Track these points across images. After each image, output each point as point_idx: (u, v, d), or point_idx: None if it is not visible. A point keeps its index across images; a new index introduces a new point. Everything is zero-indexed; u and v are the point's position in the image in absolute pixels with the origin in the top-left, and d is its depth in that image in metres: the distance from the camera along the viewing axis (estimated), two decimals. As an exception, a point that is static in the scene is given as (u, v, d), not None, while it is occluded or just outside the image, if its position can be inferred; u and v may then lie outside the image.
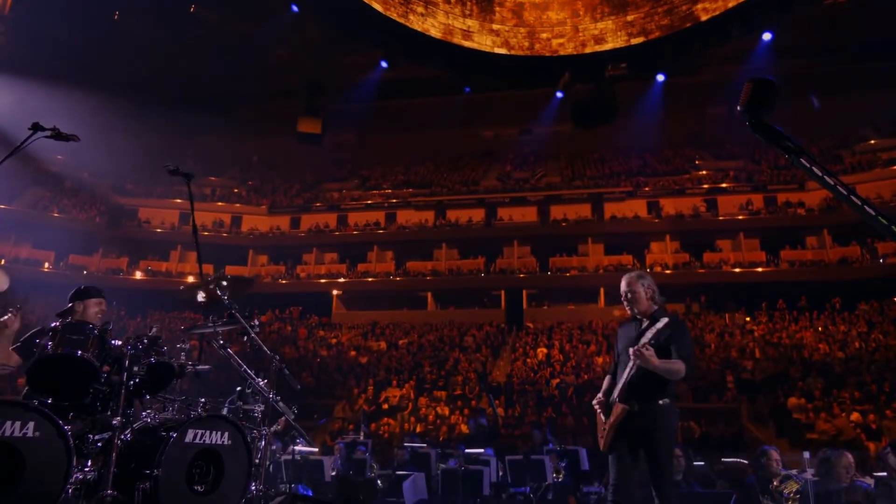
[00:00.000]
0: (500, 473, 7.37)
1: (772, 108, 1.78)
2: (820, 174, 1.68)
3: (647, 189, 27.07)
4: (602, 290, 24.99)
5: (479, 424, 11.51)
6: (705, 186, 26.81)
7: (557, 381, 17.69)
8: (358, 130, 29.52)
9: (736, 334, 20.11)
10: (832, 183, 1.67)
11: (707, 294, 23.66)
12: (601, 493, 6.79)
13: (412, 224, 28.40)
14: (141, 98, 23.99)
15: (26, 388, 3.40)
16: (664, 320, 3.86)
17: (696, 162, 28.33)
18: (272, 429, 5.85)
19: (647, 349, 3.69)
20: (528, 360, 20.00)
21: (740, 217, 25.25)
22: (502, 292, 26.05)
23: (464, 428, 14.61)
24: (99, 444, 3.25)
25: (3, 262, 23.79)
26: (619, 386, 3.89)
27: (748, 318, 21.47)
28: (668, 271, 24.62)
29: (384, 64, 17.01)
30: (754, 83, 1.79)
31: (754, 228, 24.95)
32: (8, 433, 2.70)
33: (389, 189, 30.34)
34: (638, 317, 4.05)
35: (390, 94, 23.62)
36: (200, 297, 3.86)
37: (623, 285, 4.11)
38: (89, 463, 3.17)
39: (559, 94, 18.43)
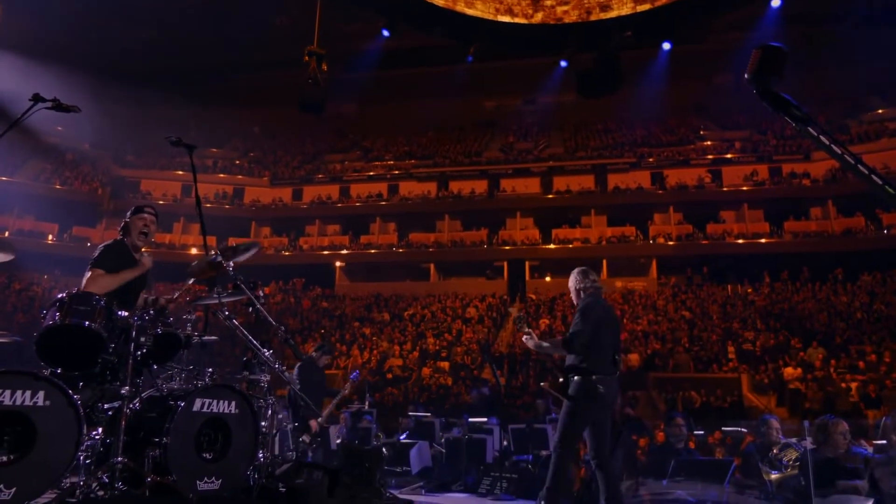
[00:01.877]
0: (504, 442, 7.48)
1: (780, 75, 1.75)
2: (827, 143, 1.67)
3: (650, 160, 26.88)
4: (605, 262, 25.01)
5: (481, 394, 11.65)
6: (710, 157, 26.59)
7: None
8: (359, 101, 29.18)
9: (738, 305, 20.18)
10: (839, 152, 1.66)
11: (710, 265, 23.67)
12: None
13: (415, 195, 28.32)
14: (140, 69, 23.74)
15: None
16: (580, 305, 4.35)
17: (701, 132, 28.05)
18: (301, 438, 5.95)
19: (526, 336, 4.41)
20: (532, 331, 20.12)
21: (745, 188, 25.10)
22: (505, 264, 26.10)
23: (467, 398, 14.79)
24: (109, 413, 3.30)
25: (7, 234, 23.87)
26: None
27: (750, 290, 21.52)
28: (671, 242, 24.60)
29: (386, 32, 16.70)
30: (763, 50, 1.76)
31: (759, 199, 24.82)
32: (19, 402, 2.74)
33: (392, 160, 30.17)
34: (575, 304, 4.53)
35: (392, 64, 23.28)
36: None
37: (570, 281, 4.66)
38: (99, 431, 3.22)
39: (563, 64, 18.13)
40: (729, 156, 26.28)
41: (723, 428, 9.56)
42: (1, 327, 3.65)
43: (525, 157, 28.64)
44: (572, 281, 4.57)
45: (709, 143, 27.42)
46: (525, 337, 4.43)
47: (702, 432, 8.93)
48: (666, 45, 17.74)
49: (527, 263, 25.91)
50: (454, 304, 23.09)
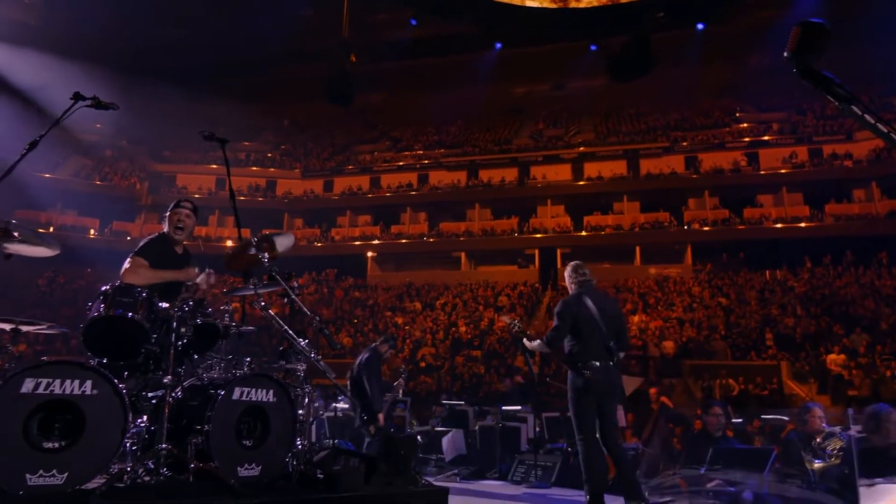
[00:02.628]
0: (537, 430, 7.47)
1: (821, 53, 1.69)
2: (872, 122, 1.61)
3: (684, 144, 26.31)
4: (638, 249, 24.66)
5: (515, 383, 11.65)
6: (746, 140, 25.89)
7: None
8: (388, 91, 29.25)
9: (776, 291, 19.69)
10: (885, 130, 1.59)
11: (747, 251, 23.11)
12: (638, 450, 6.85)
13: (444, 185, 28.32)
14: (172, 66, 24.17)
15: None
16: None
17: (737, 114, 27.31)
18: (368, 429, 6.04)
19: (526, 340, 4.84)
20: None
21: (783, 171, 24.39)
22: (536, 251, 25.95)
23: (500, 386, 14.80)
24: (152, 402, 3.40)
25: (51, 229, 24.70)
26: None
27: (789, 275, 20.96)
28: (706, 228, 24.10)
29: (413, 22, 16.68)
30: (803, 27, 1.70)
31: (798, 182, 24.10)
32: (69, 391, 2.84)
33: (421, 150, 30.19)
34: None
35: (420, 53, 23.29)
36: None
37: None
38: (144, 419, 3.32)
39: (593, 48, 17.86)
40: (766, 138, 25.55)
41: (762, 416, 9.36)
42: (48, 319, 3.79)
43: (555, 144, 28.33)
44: (566, 275, 4.93)
45: (745, 125, 26.69)
46: (527, 342, 4.83)
47: (740, 420, 8.75)
48: (699, 26, 17.31)
49: (558, 251, 25.71)
50: (485, 292, 23.08)
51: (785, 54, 1.71)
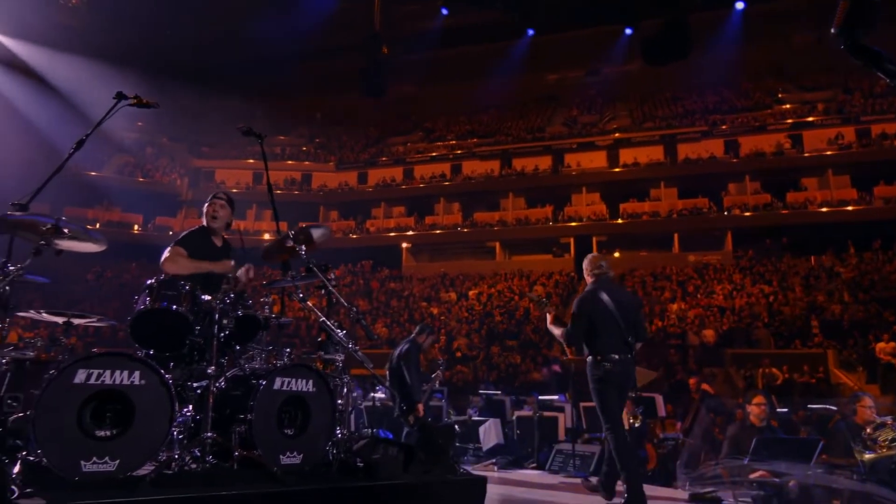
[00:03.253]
0: (575, 419, 7.43)
1: (871, 27, 1.62)
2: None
3: (724, 127, 25.57)
4: (676, 236, 24.17)
5: (552, 372, 11.60)
6: (789, 121, 25.02)
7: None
8: (420, 82, 29.23)
9: (822, 277, 19.06)
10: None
11: (790, 236, 22.41)
12: (678, 439, 6.76)
13: (478, 174, 28.23)
14: (208, 63, 24.61)
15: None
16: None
17: (780, 95, 26.40)
18: (407, 419, 6.13)
19: (548, 312, 4.97)
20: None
21: (829, 152, 23.51)
22: (571, 240, 25.69)
23: (536, 375, 14.76)
24: (197, 391, 3.50)
25: (97, 225, 25.55)
26: None
27: (836, 261, 20.25)
28: (747, 213, 23.46)
29: (444, 11, 16.60)
30: (850, 2, 1.63)
31: (844, 164, 23.20)
32: (118, 381, 2.94)
33: (454, 140, 30.13)
34: None
35: (451, 43, 23.16)
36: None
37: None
38: (190, 408, 3.42)
39: (628, 31, 17.47)
40: (810, 119, 24.64)
41: (808, 406, 9.11)
42: (98, 313, 3.93)
43: (590, 131, 27.90)
44: (584, 268, 5.07)
45: (788, 106, 25.79)
46: (549, 319, 4.96)
47: (785, 410, 8.55)
48: (739, 5, 16.77)
49: (594, 239, 25.39)
50: (520, 282, 22.98)
51: (832, 30, 1.64)
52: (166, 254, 3.97)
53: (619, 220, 25.21)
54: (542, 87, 30.53)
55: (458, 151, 29.30)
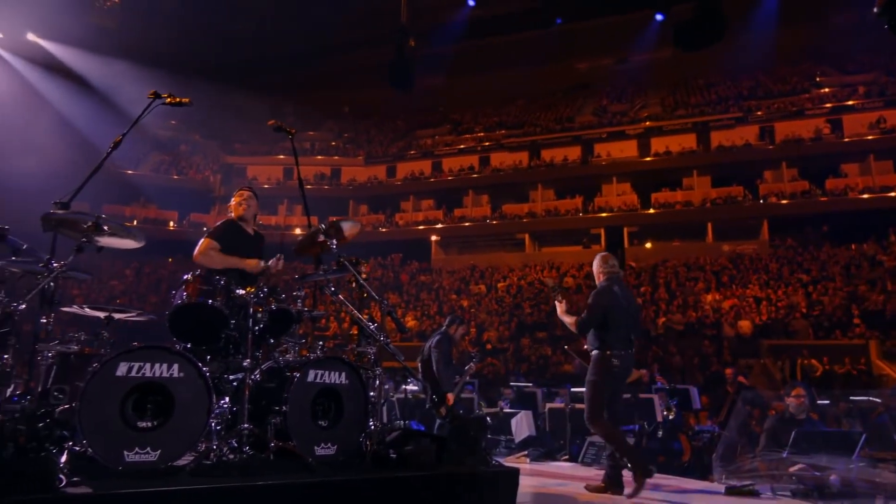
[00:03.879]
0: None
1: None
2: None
3: (759, 113, 24.89)
4: (710, 225, 23.67)
5: (583, 364, 11.48)
6: (828, 106, 24.20)
7: (664, 320, 17.22)
8: (447, 74, 29.09)
9: (863, 266, 18.46)
10: None
11: (830, 224, 21.74)
12: (714, 432, 6.65)
13: (506, 166, 28.08)
14: (237, 61, 24.94)
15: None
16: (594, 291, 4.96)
17: (818, 79, 25.56)
18: (438, 411, 6.20)
19: (559, 301, 5.05)
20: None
21: (870, 137, 22.69)
22: (602, 231, 25.41)
23: (568, 367, 14.67)
24: (234, 384, 3.57)
25: (135, 222, 26.22)
26: None
27: (878, 248, 19.58)
28: (784, 201, 22.85)
29: (471, 2, 16.49)
30: (900, -22, 1.56)
31: (887, 149, 22.34)
32: (158, 374, 3.03)
33: (482, 132, 30.00)
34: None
35: (478, 34, 23.01)
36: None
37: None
38: (226, 400, 3.50)
39: (658, 17, 17.10)
40: (851, 102, 23.80)
41: (850, 398, 8.85)
42: (137, 307, 4.04)
43: (620, 120, 27.47)
44: (594, 266, 5.21)
45: (826, 90, 24.95)
46: (559, 307, 5.06)
47: (826, 402, 8.32)
48: (775, -15, 16.26)
49: (625, 230, 25.06)
50: (550, 273, 22.82)
51: (875, 9, 1.57)
52: (199, 247, 4.05)
53: (651, 210, 24.81)
54: (571, 77, 30.14)
55: (487, 143, 29.16)
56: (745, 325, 15.70)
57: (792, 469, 4.84)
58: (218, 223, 4.37)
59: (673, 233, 24.49)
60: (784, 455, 5.02)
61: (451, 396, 6.33)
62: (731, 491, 5.07)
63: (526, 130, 28.87)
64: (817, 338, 15.30)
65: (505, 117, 30.34)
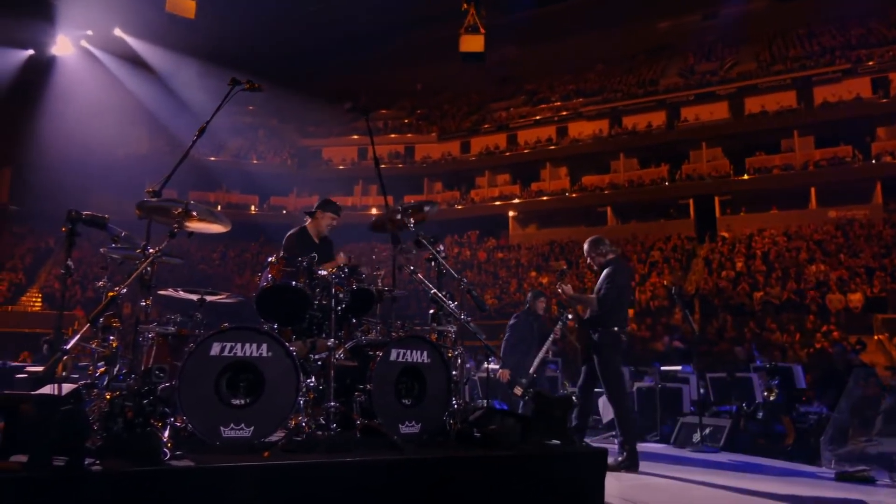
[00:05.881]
0: (701, 391, 7.03)
1: None
2: None
3: (870, 63, 22.56)
4: (813, 190, 21.94)
5: (673, 341, 11.10)
6: (953, 51, 21.63)
7: (761, 294, 16.23)
8: (519, 43, 28.32)
9: None
10: None
11: (954, 185, 19.60)
12: (822, 414, 6.19)
13: (585, 136, 27.17)
14: (308, 43, 25.32)
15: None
16: (606, 270, 5.04)
17: (943, 18, 22.84)
18: (513, 391, 6.24)
19: (563, 284, 5.20)
20: (725, 272, 18.52)
21: None
22: (690, 201, 24.15)
23: (659, 345, 14.16)
24: (319, 363, 3.65)
25: (219, 208, 27.60)
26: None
27: None
28: (900, 161, 20.76)
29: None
30: None
31: None
32: (248, 353, 3.17)
33: (558, 101, 29.13)
34: (595, 268, 5.25)
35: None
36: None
37: (584, 249, 5.34)
38: (312, 378, 3.59)
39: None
40: None
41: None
42: (223, 289, 4.20)
43: (709, 80, 25.74)
44: (586, 251, 5.28)
45: (951, 32, 22.28)
46: (559, 288, 5.22)
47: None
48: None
49: (716, 199, 23.67)
50: (636, 247, 22.02)
51: None
52: (269, 265, 4.04)
53: (745, 177, 23.27)
54: (653, 37, 28.60)
55: (564, 113, 28.30)
56: (856, 298, 14.54)
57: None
58: (286, 237, 4.60)
59: (770, 200, 22.88)
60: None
61: (504, 373, 6.40)
62: (843, 476, 4.71)
63: (605, 97, 27.74)
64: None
65: (582, 84, 29.28)
